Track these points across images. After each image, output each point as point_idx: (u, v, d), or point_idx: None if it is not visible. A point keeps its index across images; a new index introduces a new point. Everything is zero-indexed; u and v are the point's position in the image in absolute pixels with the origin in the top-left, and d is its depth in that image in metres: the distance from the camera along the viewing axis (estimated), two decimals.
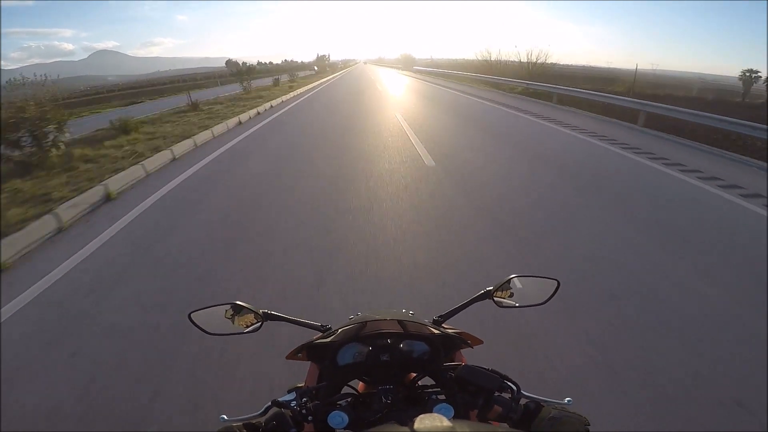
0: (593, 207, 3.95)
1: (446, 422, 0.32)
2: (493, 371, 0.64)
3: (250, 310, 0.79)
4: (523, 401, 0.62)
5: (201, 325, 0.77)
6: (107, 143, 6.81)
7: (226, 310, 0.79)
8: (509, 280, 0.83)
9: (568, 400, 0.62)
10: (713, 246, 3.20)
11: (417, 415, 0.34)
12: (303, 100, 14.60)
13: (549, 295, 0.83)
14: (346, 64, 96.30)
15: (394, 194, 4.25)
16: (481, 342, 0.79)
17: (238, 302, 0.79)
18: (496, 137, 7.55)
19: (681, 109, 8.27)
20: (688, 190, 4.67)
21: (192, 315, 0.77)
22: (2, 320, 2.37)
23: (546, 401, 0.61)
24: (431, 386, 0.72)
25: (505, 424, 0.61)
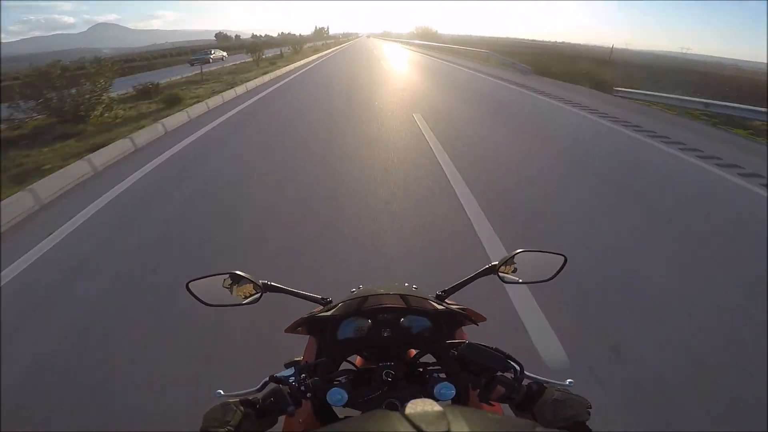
0: None
1: (437, 407, 0.32)
2: (496, 350, 0.62)
3: (249, 281, 0.77)
4: (525, 382, 0.61)
5: (199, 295, 0.76)
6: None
7: (224, 280, 0.77)
8: (514, 255, 0.81)
9: (570, 382, 0.61)
10: None
11: (416, 395, 0.32)
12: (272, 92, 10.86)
13: (555, 271, 0.81)
14: (344, 38, 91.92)
15: None
16: (484, 319, 0.78)
17: (237, 272, 0.77)
18: None
19: None
20: None
21: (190, 284, 0.76)
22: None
23: (548, 382, 0.60)
24: (432, 364, 0.71)
25: (502, 407, 0.60)
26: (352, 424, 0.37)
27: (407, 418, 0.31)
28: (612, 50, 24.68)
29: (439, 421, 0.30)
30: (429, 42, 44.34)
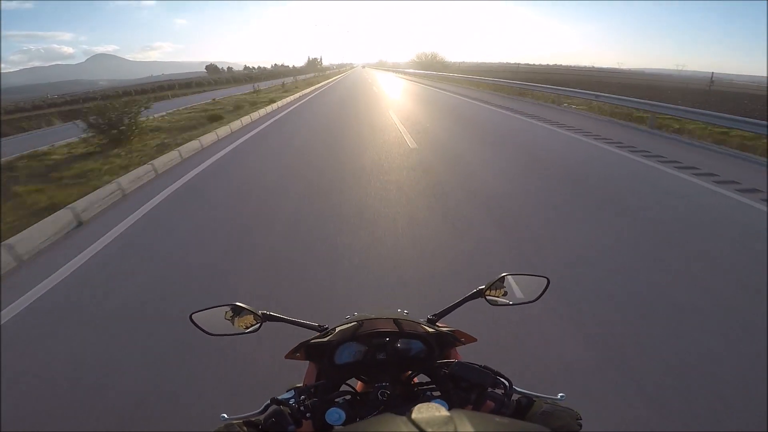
0: None
1: (444, 411, 0.33)
2: (485, 367, 0.66)
3: (249, 311, 0.81)
4: (515, 397, 0.64)
5: (202, 326, 0.79)
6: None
7: (226, 312, 0.81)
8: (501, 279, 0.85)
9: (561, 396, 0.63)
10: None
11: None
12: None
13: (539, 293, 0.85)
14: (337, 70, 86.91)
15: None
16: (474, 340, 0.81)
17: (237, 303, 0.81)
18: None
19: None
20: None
21: (193, 316, 0.79)
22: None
23: (538, 396, 0.63)
24: (426, 383, 0.74)
25: None
26: (361, 428, 0.38)
27: (414, 423, 0.31)
28: (712, 79, 22.72)
29: (445, 424, 0.31)
30: (439, 73, 33.03)
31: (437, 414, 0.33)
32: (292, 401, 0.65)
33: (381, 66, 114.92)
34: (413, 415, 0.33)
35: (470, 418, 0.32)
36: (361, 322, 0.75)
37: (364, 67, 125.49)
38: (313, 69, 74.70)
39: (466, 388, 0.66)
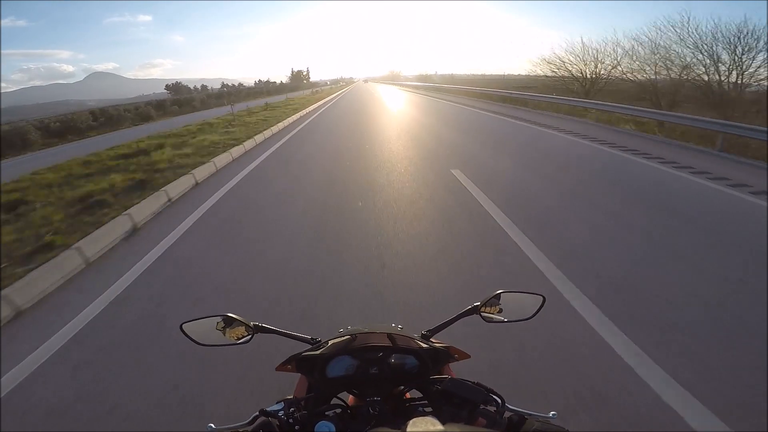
0: None
1: (439, 426, 0.33)
2: (478, 384, 0.67)
3: (241, 323, 0.80)
4: (507, 414, 0.64)
5: (192, 336, 0.78)
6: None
7: (218, 322, 0.80)
8: (496, 296, 0.85)
9: (553, 414, 0.64)
10: None
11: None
12: None
13: (535, 311, 0.86)
14: (328, 88, 59.41)
15: None
16: (468, 356, 0.81)
17: (229, 314, 0.80)
18: None
19: None
20: None
21: (183, 326, 0.78)
22: None
23: (530, 414, 0.63)
24: (419, 399, 0.74)
25: None
26: None
27: None
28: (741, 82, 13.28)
29: None
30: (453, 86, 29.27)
31: (432, 428, 0.33)
32: (281, 413, 0.65)
33: (391, 80, 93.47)
34: (408, 429, 0.33)
35: (462, 431, 0.33)
36: (354, 336, 0.75)
37: (366, 81, 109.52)
38: (299, 84, 60.04)
39: (459, 405, 0.66)
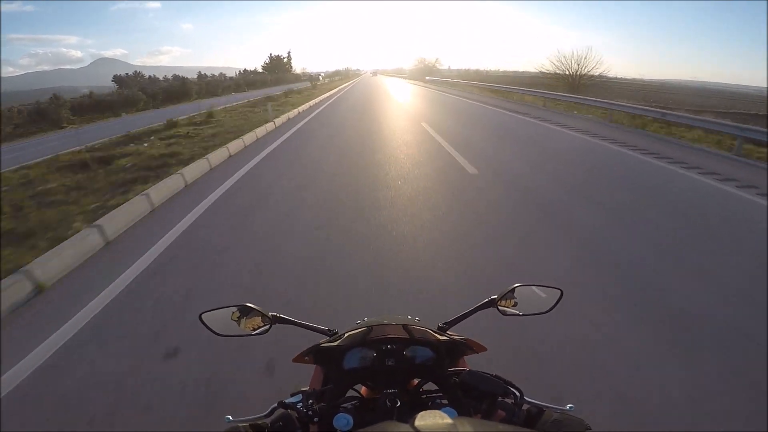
0: None
1: (447, 419, 0.33)
2: (496, 377, 0.67)
3: (259, 312, 0.79)
4: (525, 407, 0.64)
5: (211, 326, 0.78)
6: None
7: (235, 312, 0.79)
8: (513, 289, 0.85)
9: (570, 406, 0.64)
10: None
11: None
12: None
13: (552, 304, 0.86)
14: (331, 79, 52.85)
15: None
16: (485, 349, 0.82)
17: (247, 304, 0.79)
18: None
19: None
20: None
21: (203, 315, 0.77)
22: None
23: (548, 407, 0.63)
24: (435, 391, 0.74)
25: None
26: None
27: (417, 430, 0.32)
28: None
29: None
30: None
31: (440, 421, 0.33)
32: (299, 405, 0.64)
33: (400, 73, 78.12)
34: (416, 422, 0.33)
35: (474, 425, 0.32)
36: (371, 328, 0.75)
37: (374, 74, 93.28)
38: (282, 77, 45.02)
39: (476, 397, 0.67)
